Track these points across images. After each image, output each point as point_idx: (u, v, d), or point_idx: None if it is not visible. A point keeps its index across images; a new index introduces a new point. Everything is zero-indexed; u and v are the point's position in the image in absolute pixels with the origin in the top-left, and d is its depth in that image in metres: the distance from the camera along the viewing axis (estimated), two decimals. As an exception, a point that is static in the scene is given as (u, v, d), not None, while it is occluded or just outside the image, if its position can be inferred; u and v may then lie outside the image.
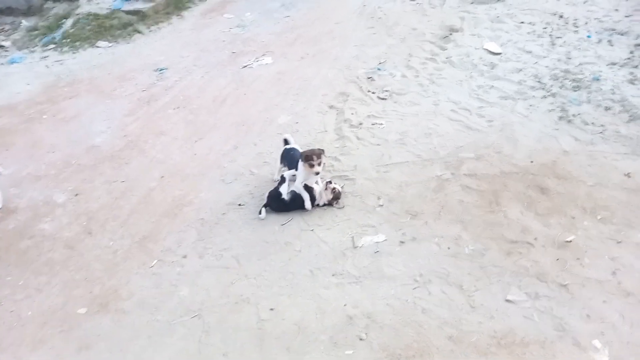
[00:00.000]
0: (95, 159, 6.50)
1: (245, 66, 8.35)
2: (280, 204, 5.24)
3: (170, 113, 7.34)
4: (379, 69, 7.66)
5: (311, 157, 4.99)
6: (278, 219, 5.24)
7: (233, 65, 8.46)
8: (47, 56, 9.34)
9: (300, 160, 5.12)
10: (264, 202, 5.32)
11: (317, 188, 5.26)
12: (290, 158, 5.42)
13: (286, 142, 5.68)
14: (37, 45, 9.74)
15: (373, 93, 7.17)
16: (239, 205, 5.51)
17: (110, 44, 9.62)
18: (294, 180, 5.24)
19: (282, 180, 5.33)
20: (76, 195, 5.91)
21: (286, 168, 5.47)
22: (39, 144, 6.93)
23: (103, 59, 9.16)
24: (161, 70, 8.53)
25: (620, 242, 4.55)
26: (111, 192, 5.90)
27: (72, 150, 6.73)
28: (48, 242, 5.32)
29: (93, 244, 5.23)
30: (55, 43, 9.70)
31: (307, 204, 5.21)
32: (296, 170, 5.22)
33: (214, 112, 7.25)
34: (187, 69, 8.51)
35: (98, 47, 9.56)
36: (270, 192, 5.30)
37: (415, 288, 4.36)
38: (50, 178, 6.24)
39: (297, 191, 5.21)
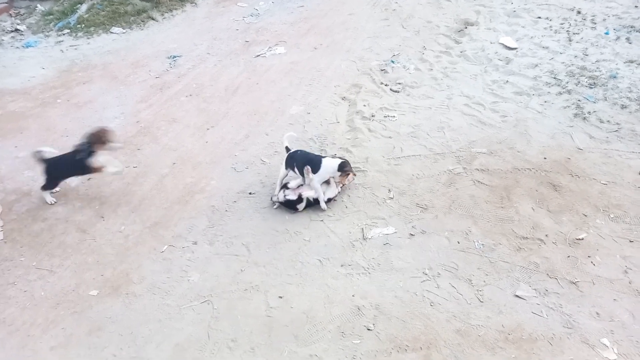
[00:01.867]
0: (108, 144, 6.53)
1: (258, 55, 8.33)
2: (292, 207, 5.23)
3: (182, 100, 7.36)
4: (392, 62, 7.61)
5: (350, 169, 5.13)
6: (287, 208, 5.26)
7: (246, 54, 8.45)
8: (62, 41, 9.38)
9: (337, 167, 5.06)
10: (274, 192, 5.34)
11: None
12: (300, 160, 5.21)
13: (287, 148, 5.43)
14: (52, 30, 9.77)
15: (386, 85, 7.13)
16: (250, 193, 5.53)
17: (124, 30, 9.64)
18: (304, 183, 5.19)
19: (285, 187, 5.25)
20: (89, 179, 5.96)
21: (292, 173, 5.30)
22: (52, 129, 6.98)
23: (117, 45, 9.18)
24: (174, 57, 8.54)
25: (632, 241, 4.53)
26: (123, 178, 5.94)
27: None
28: (61, 225, 5.38)
29: (105, 228, 5.29)
30: (69, 28, 9.74)
31: (323, 205, 5.17)
32: (301, 175, 5.18)
33: (226, 100, 7.26)
34: (200, 57, 8.51)
35: (112, 33, 9.58)
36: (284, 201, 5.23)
37: (423, 281, 4.37)
38: (64, 162, 6.29)
39: (315, 192, 5.13)
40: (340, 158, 5.21)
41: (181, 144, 6.45)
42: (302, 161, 5.17)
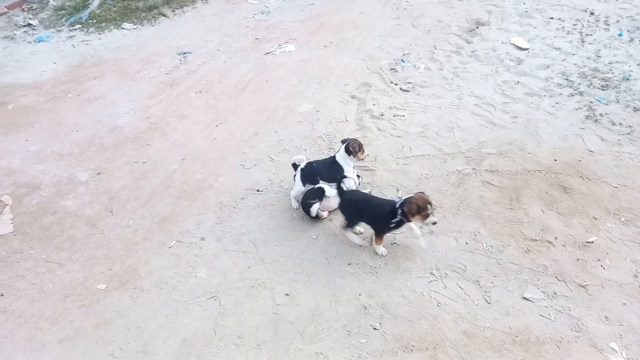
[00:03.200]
0: (118, 140, 6.58)
1: (268, 53, 8.34)
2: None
3: (192, 97, 7.38)
4: (402, 61, 7.58)
5: (360, 147, 5.05)
6: (295, 206, 5.26)
7: (256, 51, 8.46)
8: (74, 36, 9.45)
9: (345, 151, 5.01)
10: (286, 191, 5.34)
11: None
12: (315, 173, 5.11)
13: (295, 166, 5.22)
14: (63, 25, 9.85)
15: (396, 84, 7.11)
16: (258, 191, 5.54)
17: (135, 26, 9.69)
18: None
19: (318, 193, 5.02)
20: (98, 174, 6.01)
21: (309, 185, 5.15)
22: (63, 123, 7.04)
23: (128, 40, 9.24)
24: (184, 54, 8.57)
25: (643, 245, 4.48)
26: (133, 173, 5.98)
27: (96, 130, 6.83)
28: (70, 218, 5.42)
29: (114, 223, 5.32)
30: (81, 23, 9.81)
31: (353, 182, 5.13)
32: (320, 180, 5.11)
33: (235, 97, 7.27)
34: (210, 53, 8.53)
35: (123, 28, 9.64)
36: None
37: (431, 281, 4.35)
38: (74, 156, 6.34)
39: (354, 181, 5.13)
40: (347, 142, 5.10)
41: (190, 140, 6.47)
42: (323, 172, 5.10)
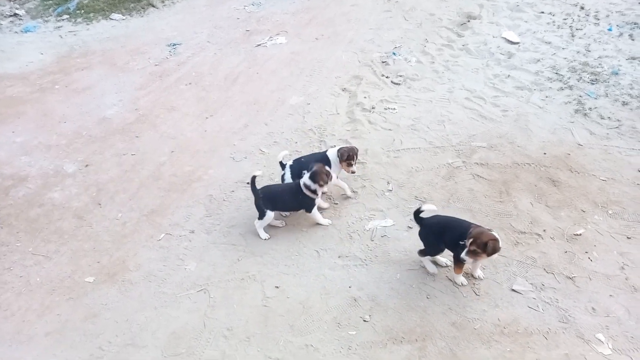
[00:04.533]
0: (106, 131, 6.51)
1: (259, 45, 8.28)
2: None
3: (182, 89, 7.31)
4: (394, 54, 7.56)
5: (350, 157, 4.87)
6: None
7: (246, 43, 8.39)
8: (61, 26, 9.31)
9: (337, 156, 4.91)
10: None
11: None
12: (304, 168, 4.86)
13: (282, 165, 5.08)
14: (51, 15, 9.70)
15: (387, 77, 7.09)
16: (248, 183, 5.48)
17: (124, 17, 9.57)
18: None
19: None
20: (86, 166, 5.94)
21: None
22: (50, 114, 6.94)
23: (116, 31, 9.12)
24: (174, 45, 8.48)
25: (630, 237, 4.52)
26: (121, 165, 5.92)
27: (83, 121, 6.74)
28: (58, 211, 5.36)
29: (102, 215, 5.27)
30: (69, 13, 9.66)
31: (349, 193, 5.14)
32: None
33: (225, 89, 7.21)
34: (200, 45, 8.45)
35: (112, 19, 9.51)
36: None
37: (420, 274, 4.36)
38: (61, 148, 6.26)
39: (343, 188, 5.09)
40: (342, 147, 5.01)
41: (180, 132, 6.41)
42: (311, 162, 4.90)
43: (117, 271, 4.64)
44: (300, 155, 5.28)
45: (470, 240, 3.81)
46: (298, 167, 4.98)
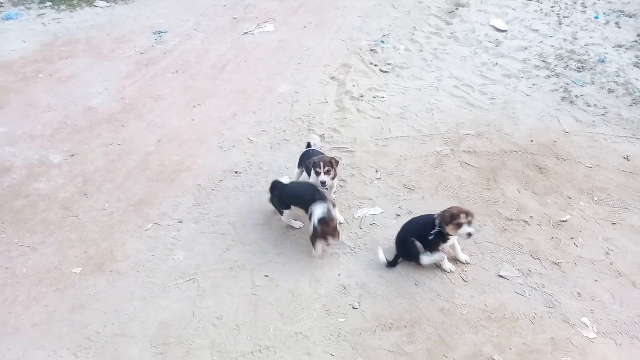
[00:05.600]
0: (92, 121, 6.42)
1: (246, 33, 8.19)
2: None
3: (168, 77, 7.22)
4: (382, 42, 7.54)
5: (318, 165, 4.49)
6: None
7: (234, 31, 8.30)
8: (44, 14, 9.11)
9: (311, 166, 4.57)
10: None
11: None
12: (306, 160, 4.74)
13: (309, 145, 5.07)
14: (33, 2, 9.48)
15: (375, 65, 7.07)
16: (236, 172, 5.48)
17: (109, 4, 9.39)
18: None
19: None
20: (72, 156, 5.86)
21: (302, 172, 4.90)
22: (34, 104, 6.81)
23: (101, 19, 8.95)
24: (160, 33, 8.36)
25: (615, 223, 4.58)
26: (108, 155, 5.84)
27: (68, 110, 6.64)
28: (43, 201, 5.29)
29: (88, 206, 5.21)
30: (52, 1, 9.45)
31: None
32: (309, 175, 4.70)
33: (213, 78, 7.14)
34: (186, 33, 8.34)
35: (96, 6, 9.33)
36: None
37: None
38: (46, 138, 6.16)
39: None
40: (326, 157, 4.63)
41: (167, 121, 6.34)
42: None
43: (105, 261, 4.61)
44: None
45: (439, 219, 4.02)
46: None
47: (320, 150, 5.04)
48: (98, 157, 5.81)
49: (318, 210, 4.24)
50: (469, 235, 3.95)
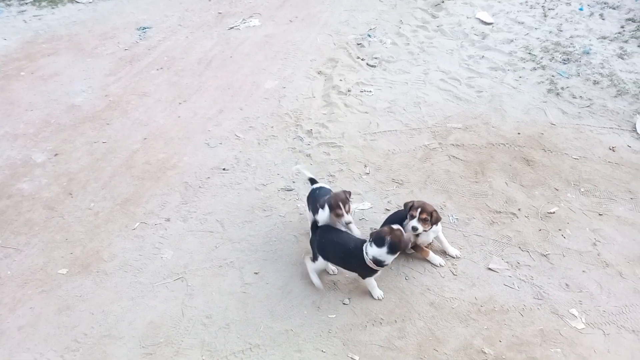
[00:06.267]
0: (76, 119, 6.31)
1: (232, 28, 8.11)
2: None
3: (153, 74, 7.12)
4: (369, 36, 7.51)
5: (338, 206, 3.97)
6: (262, 184, 5.19)
7: (219, 26, 8.21)
8: (25, 10, 8.93)
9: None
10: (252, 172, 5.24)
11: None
12: (314, 202, 4.24)
13: (312, 181, 4.54)
14: (13, -1, 9.29)
15: (362, 60, 7.04)
16: (224, 169, 5.42)
17: (91, 0, 9.23)
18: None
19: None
20: (56, 155, 5.76)
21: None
22: (16, 102, 6.68)
23: (83, 15, 8.80)
24: (144, 29, 8.24)
25: (601, 214, 4.62)
26: (92, 153, 5.75)
27: (52, 109, 6.52)
28: (27, 202, 5.20)
29: (74, 206, 5.13)
30: (32, -3, 9.27)
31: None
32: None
33: (198, 74, 7.06)
34: (171, 28, 8.23)
35: (78, 2, 9.17)
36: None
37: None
38: (29, 137, 6.05)
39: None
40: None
41: (152, 118, 6.26)
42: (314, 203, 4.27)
43: (91, 262, 4.54)
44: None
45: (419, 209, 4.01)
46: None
47: (326, 186, 4.44)
48: (83, 156, 5.72)
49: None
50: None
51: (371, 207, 4.83)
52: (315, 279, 4.13)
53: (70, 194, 5.26)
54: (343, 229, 4.10)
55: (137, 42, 7.89)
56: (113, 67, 7.31)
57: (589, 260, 4.25)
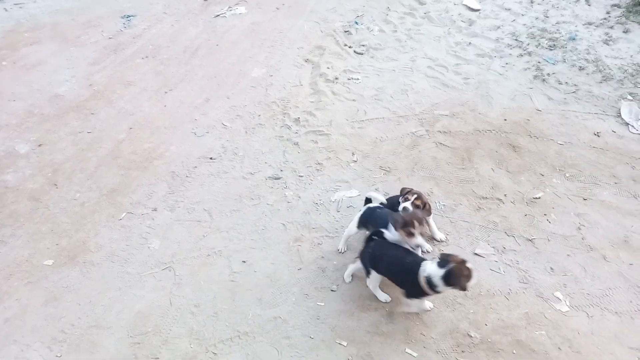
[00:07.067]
0: (60, 109, 6.22)
1: (218, 15, 8.01)
2: None
3: (138, 63, 7.03)
4: (356, 23, 7.46)
5: (411, 224, 3.68)
6: (250, 173, 5.17)
7: (205, 14, 8.10)
8: (5, -1, 8.75)
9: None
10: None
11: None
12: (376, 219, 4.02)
13: (368, 200, 4.28)
14: (-7, -13, 9.09)
15: (350, 47, 7.00)
16: (211, 158, 5.39)
17: (74, -12, 9.05)
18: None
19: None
20: (40, 145, 5.68)
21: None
22: (-2, 93, 6.58)
23: (67, 3, 8.63)
24: (128, 17, 8.11)
25: (586, 199, 4.67)
26: (77, 144, 5.69)
27: (35, 99, 6.42)
28: (11, 193, 5.13)
29: (59, 196, 5.08)
30: (13, -15, 9.07)
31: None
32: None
33: (184, 62, 6.98)
34: (156, 16, 8.11)
35: (60, -10, 8.99)
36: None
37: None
38: (12, 128, 5.96)
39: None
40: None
41: (138, 108, 6.19)
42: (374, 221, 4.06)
43: (78, 253, 4.51)
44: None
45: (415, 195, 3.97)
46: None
47: (382, 207, 4.18)
48: (67, 147, 5.65)
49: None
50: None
51: (359, 195, 4.84)
52: (379, 294, 3.96)
53: (55, 184, 5.21)
54: (409, 247, 3.78)
55: (121, 30, 7.78)
56: (97, 56, 7.20)
57: (573, 245, 4.30)
